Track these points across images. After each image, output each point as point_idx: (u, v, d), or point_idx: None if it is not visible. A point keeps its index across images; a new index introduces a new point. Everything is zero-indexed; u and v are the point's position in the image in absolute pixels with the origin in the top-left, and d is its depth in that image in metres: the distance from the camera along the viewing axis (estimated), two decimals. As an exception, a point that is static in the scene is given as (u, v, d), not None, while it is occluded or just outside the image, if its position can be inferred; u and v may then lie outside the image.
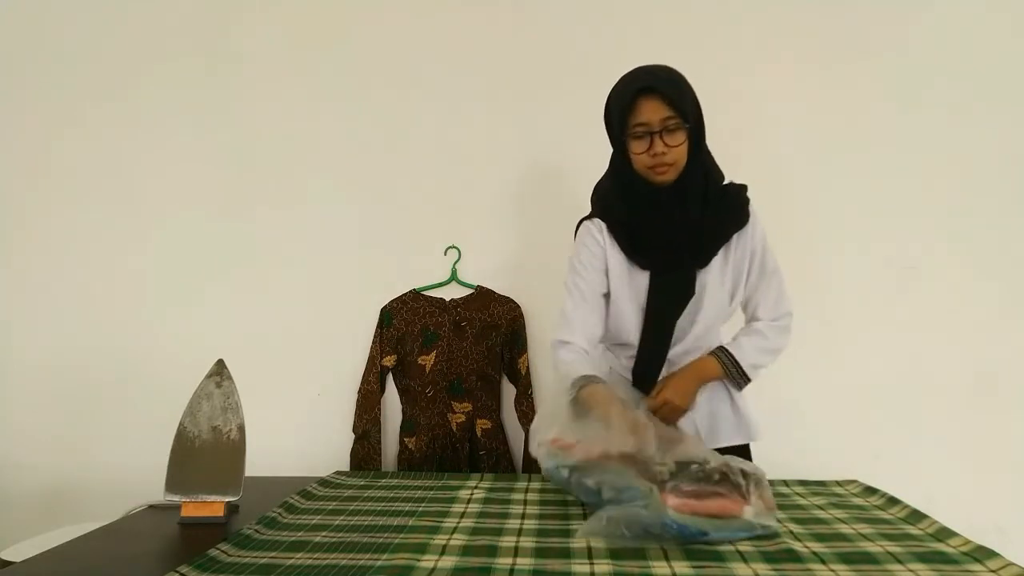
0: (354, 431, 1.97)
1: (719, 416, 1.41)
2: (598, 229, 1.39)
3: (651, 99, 1.25)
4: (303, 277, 2.04)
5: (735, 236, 1.35)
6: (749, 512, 1.00)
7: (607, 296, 1.39)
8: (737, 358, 1.34)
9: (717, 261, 1.35)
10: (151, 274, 2.07)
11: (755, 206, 1.39)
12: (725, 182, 1.39)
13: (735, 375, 1.34)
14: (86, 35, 2.10)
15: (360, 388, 1.98)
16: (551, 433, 1.16)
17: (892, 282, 1.93)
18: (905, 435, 1.91)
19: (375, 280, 2.02)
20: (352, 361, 2.01)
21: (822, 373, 1.92)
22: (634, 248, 1.35)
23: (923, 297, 1.92)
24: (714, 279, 1.34)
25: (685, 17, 1.98)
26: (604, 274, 1.38)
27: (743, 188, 1.40)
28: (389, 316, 1.99)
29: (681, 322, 1.36)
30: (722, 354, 1.35)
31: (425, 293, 2.01)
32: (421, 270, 2.02)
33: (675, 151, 1.26)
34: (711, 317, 1.36)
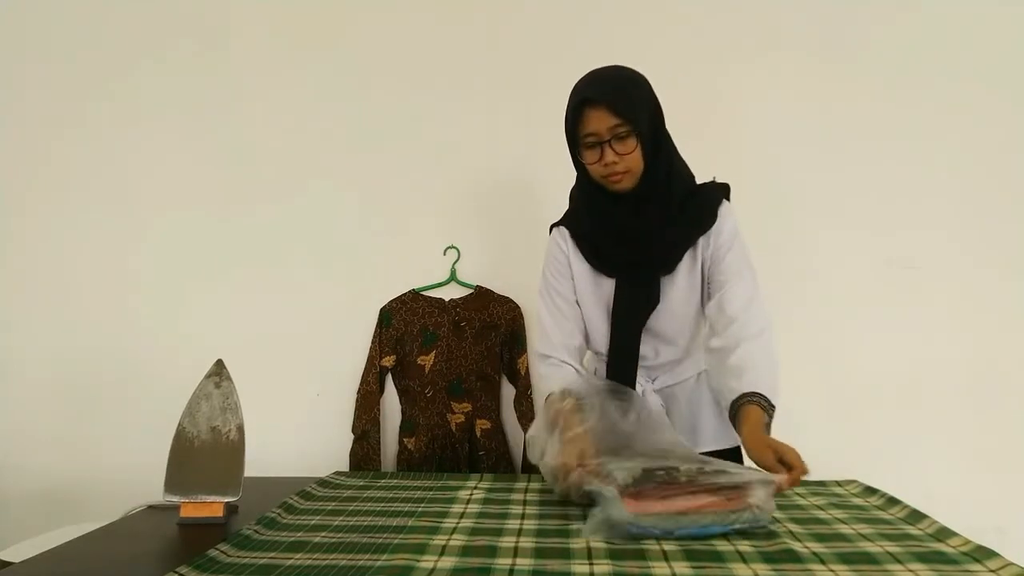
0: (353, 431, 1.97)
1: (700, 420, 1.39)
2: (561, 237, 1.40)
3: (597, 109, 1.21)
4: (303, 277, 2.04)
5: (702, 239, 1.30)
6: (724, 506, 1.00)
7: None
8: (769, 397, 1.17)
9: (684, 266, 1.31)
10: (150, 274, 2.07)
11: (730, 206, 1.33)
12: (703, 182, 1.34)
13: (770, 412, 1.18)
14: (84, 34, 2.11)
15: (359, 388, 1.98)
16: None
17: (892, 282, 1.93)
18: (905, 435, 1.91)
19: (375, 280, 2.02)
20: (351, 361, 2.01)
21: (822, 373, 1.92)
22: (597, 256, 1.34)
23: (923, 297, 1.92)
24: (680, 284, 1.31)
25: (685, 17, 1.98)
26: (572, 280, 1.39)
27: (718, 188, 1.34)
28: (388, 316, 1.99)
29: (654, 329, 1.33)
30: (757, 399, 1.16)
31: (424, 293, 2.01)
32: (421, 270, 2.02)
33: (627, 159, 1.22)
34: (683, 323, 1.33)
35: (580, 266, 1.38)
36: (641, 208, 1.28)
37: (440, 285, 2.02)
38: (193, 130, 2.08)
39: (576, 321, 1.39)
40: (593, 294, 1.37)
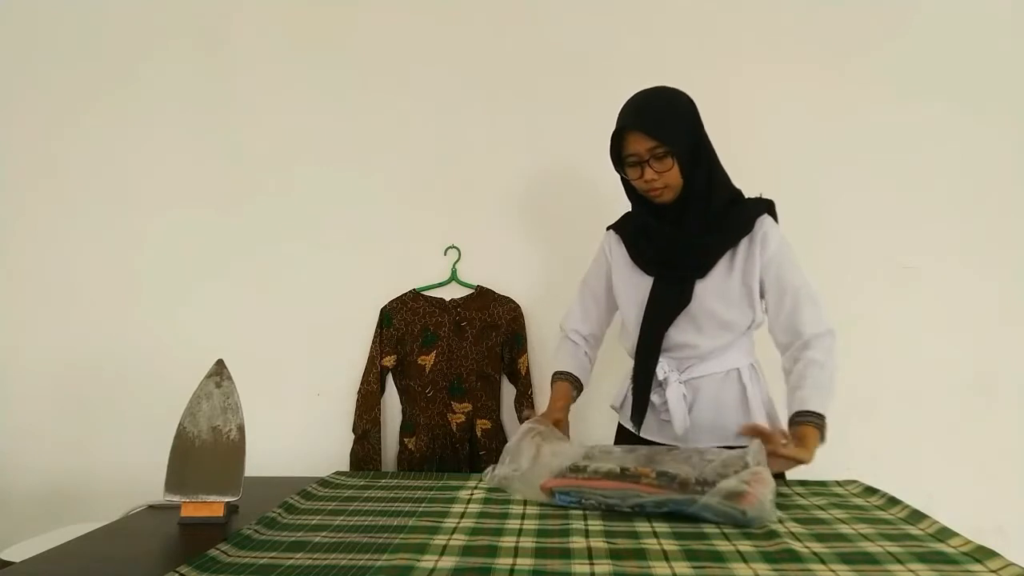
0: (354, 431, 1.97)
1: (722, 416, 1.41)
2: (608, 240, 1.55)
3: (636, 132, 1.32)
4: (303, 277, 2.04)
5: (742, 249, 1.37)
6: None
7: (615, 304, 1.55)
8: (824, 415, 1.27)
9: (719, 270, 1.38)
10: (151, 274, 2.07)
11: (772, 221, 1.40)
12: (748, 196, 1.43)
13: (819, 421, 1.27)
14: (85, 35, 2.11)
15: (360, 388, 1.98)
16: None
17: (892, 282, 1.93)
18: (905, 435, 1.91)
19: (375, 280, 2.02)
20: (352, 361, 2.01)
21: (822, 373, 1.91)
22: (640, 256, 1.46)
23: (923, 297, 1.92)
24: (714, 287, 1.38)
25: (686, 17, 1.98)
26: (608, 284, 1.54)
27: (760, 204, 1.42)
28: (389, 316, 1.99)
29: (683, 329, 1.40)
30: (814, 419, 1.26)
31: (425, 293, 2.01)
32: (421, 270, 2.02)
33: (665, 176, 1.33)
34: (715, 323, 1.38)
35: (623, 267, 1.50)
36: (681, 218, 1.38)
37: (441, 285, 2.02)
38: (193, 130, 2.08)
39: (599, 315, 1.59)
40: (633, 293, 1.46)
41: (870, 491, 1.29)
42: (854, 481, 1.37)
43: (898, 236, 1.93)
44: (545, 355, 2.01)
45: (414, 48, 2.04)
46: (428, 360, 1.97)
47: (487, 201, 2.02)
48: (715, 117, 1.92)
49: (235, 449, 1.21)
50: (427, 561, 0.90)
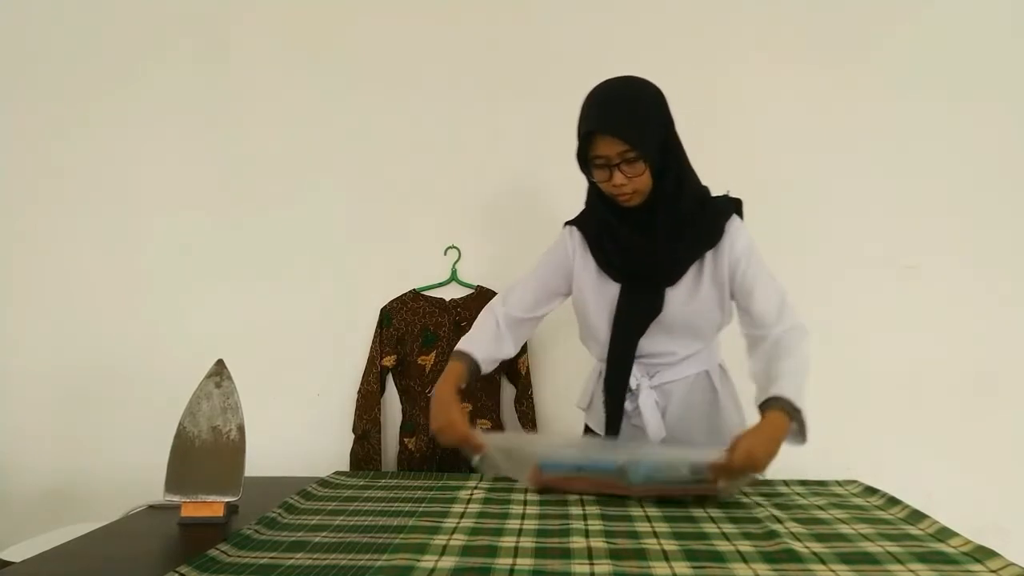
0: (354, 431, 1.97)
1: (691, 421, 1.40)
2: (571, 237, 1.45)
3: (605, 135, 1.22)
4: (303, 277, 2.04)
5: (711, 252, 1.33)
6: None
7: (562, 300, 1.48)
8: (796, 403, 1.17)
9: (689, 277, 1.34)
10: (151, 274, 2.07)
11: (740, 222, 1.36)
12: (717, 195, 1.37)
13: (799, 421, 1.18)
14: (86, 36, 2.11)
15: (360, 388, 1.98)
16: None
17: (892, 282, 1.93)
18: (905, 435, 1.91)
19: (375, 280, 2.02)
20: (352, 361, 2.01)
21: (822, 373, 1.89)
22: (606, 261, 1.38)
23: (923, 297, 1.92)
24: (684, 294, 1.34)
25: (689, 18, 1.98)
26: (564, 279, 1.45)
27: (728, 203, 1.37)
28: (389, 316, 1.99)
29: (654, 338, 1.36)
30: (782, 404, 1.17)
31: (425, 293, 2.01)
32: (421, 270, 2.02)
33: (636, 181, 1.25)
34: (685, 329, 1.36)
35: (587, 266, 1.42)
36: (648, 223, 1.31)
37: (441, 285, 2.02)
38: (193, 132, 2.08)
39: (540, 301, 1.46)
40: (598, 296, 1.40)
41: (870, 491, 1.29)
42: (854, 481, 1.37)
43: (898, 235, 1.94)
44: (545, 355, 2.01)
45: (414, 49, 2.04)
46: (428, 360, 1.97)
47: (487, 201, 2.02)
48: (714, 115, 1.94)
49: (235, 449, 1.21)
50: (427, 561, 0.90)
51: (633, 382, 1.38)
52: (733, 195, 1.40)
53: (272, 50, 2.07)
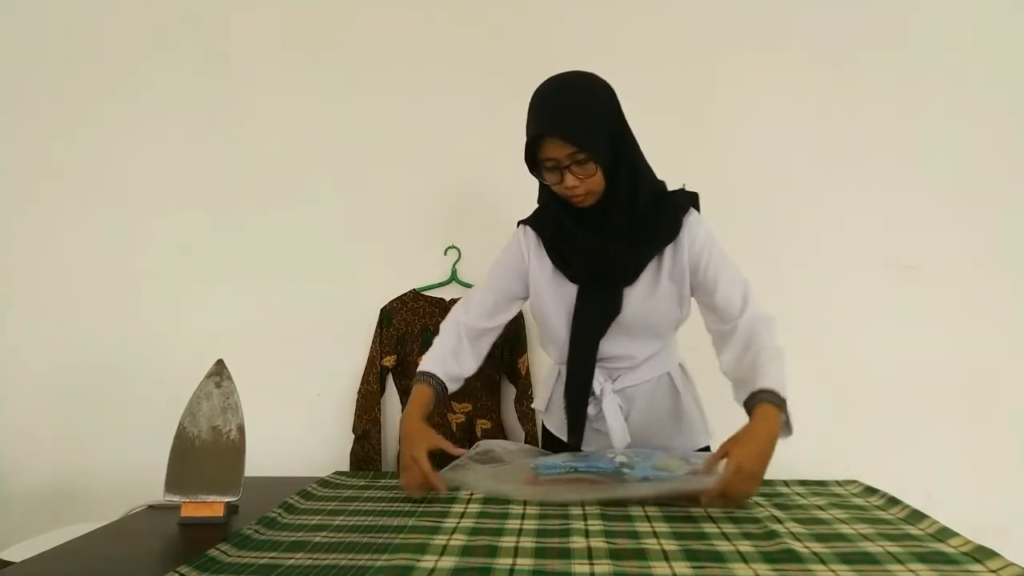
0: (354, 431, 1.97)
1: (654, 425, 1.39)
2: (525, 237, 1.42)
3: (554, 137, 1.18)
4: (303, 277, 2.04)
5: (669, 248, 1.30)
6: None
7: (521, 303, 1.45)
8: (782, 394, 1.15)
9: (647, 275, 1.32)
10: (151, 274, 2.07)
11: (699, 215, 1.33)
12: (673, 189, 1.34)
13: (786, 415, 1.16)
14: (86, 35, 2.11)
15: (360, 388, 1.98)
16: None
17: (892, 282, 1.93)
18: (905, 435, 1.91)
19: (375, 280, 2.02)
20: (352, 361, 2.01)
21: (822, 373, 1.92)
22: (562, 261, 1.35)
23: (923, 297, 1.92)
24: (643, 292, 1.32)
25: (685, 16, 1.98)
26: (520, 280, 1.41)
27: (685, 197, 1.34)
28: (389, 316, 1.99)
29: (614, 339, 1.34)
30: (769, 397, 1.14)
31: (425, 293, 2.01)
32: (421, 270, 2.02)
33: (588, 182, 1.21)
34: (645, 329, 1.34)
35: (543, 267, 1.38)
36: (603, 223, 1.28)
37: (441, 285, 2.02)
38: (193, 132, 2.08)
39: (495, 313, 1.42)
40: (555, 297, 1.37)
41: (870, 491, 1.29)
42: (854, 481, 1.37)
43: (899, 236, 1.94)
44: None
45: (414, 50, 2.04)
46: (428, 360, 1.97)
47: (487, 201, 2.02)
48: (714, 115, 1.94)
49: (235, 449, 1.21)
50: (427, 561, 0.90)
51: (596, 386, 1.36)
52: (690, 188, 1.37)
53: (272, 50, 2.07)
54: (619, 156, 1.23)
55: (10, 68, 2.12)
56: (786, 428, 1.16)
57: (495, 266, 1.45)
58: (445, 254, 2.02)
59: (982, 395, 1.90)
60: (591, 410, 1.37)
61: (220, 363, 1.26)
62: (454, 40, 2.03)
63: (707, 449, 1.43)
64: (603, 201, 1.26)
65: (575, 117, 1.18)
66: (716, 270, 1.29)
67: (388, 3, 2.05)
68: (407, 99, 2.04)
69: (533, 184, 2.01)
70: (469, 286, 2.00)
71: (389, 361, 1.99)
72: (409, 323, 1.99)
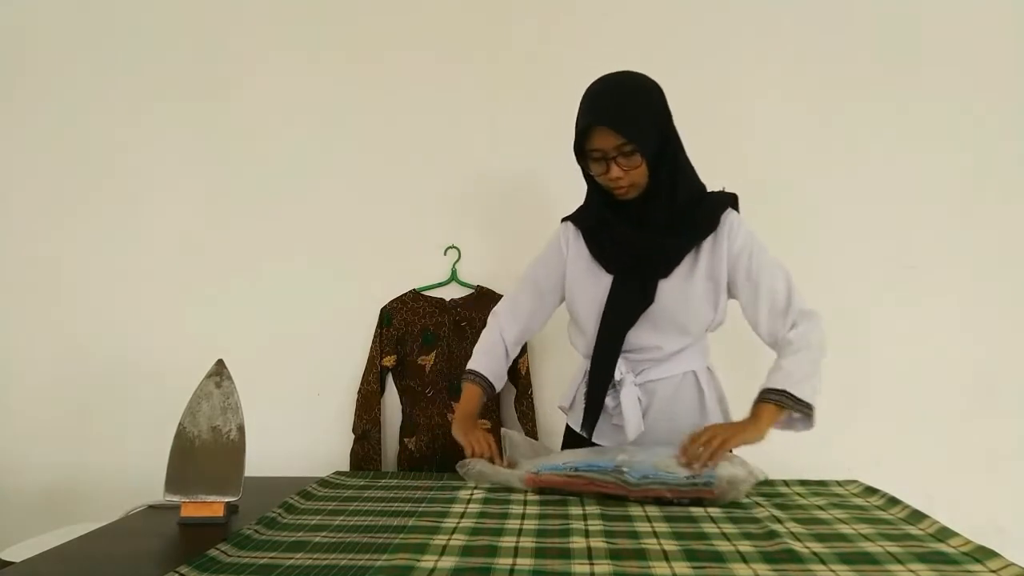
0: (354, 431, 1.97)
1: (677, 420, 1.39)
2: (565, 232, 1.47)
3: (603, 128, 1.23)
4: (303, 277, 2.04)
5: (707, 244, 1.33)
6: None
7: (559, 300, 1.50)
8: (789, 389, 1.23)
9: (683, 269, 1.33)
10: (151, 274, 2.07)
11: (737, 216, 1.35)
12: (710, 190, 1.37)
13: (795, 406, 1.23)
14: (86, 33, 2.11)
15: (360, 388, 1.98)
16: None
17: (892, 282, 1.93)
18: (905, 435, 1.91)
19: (375, 280, 2.02)
20: (352, 361, 2.01)
21: (822, 373, 1.91)
22: (600, 252, 1.39)
23: (923, 297, 1.92)
24: (677, 286, 1.33)
25: (689, 18, 1.98)
26: (556, 272, 1.47)
27: (724, 198, 1.37)
28: (389, 316, 1.99)
29: (641, 331, 1.35)
30: (771, 395, 1.24)
31: (425, 293, 2.01)
32: (421, 270, 2.02)
33: (632, 174, 1.26)
34: (675, 323, 1.35)
35: (580, 260, 1.42)
36: (643, 216, 1.31)
37: (441, 285, 2.02)
38: (195, 132, 2.08)
39: (536, 313, 1.52)
40: (589, 288, 1.40)
41: (870, 491, 1.29)
42: (854, 481, 1.37)
43: (899, 236, 1.93)
44: (545, 356, 2.01)
45: (415, 49, 2.04)
46: (428, 360, 1.97)
47: (487, 201, 2.02)
48: (713, 115, 1.94)
49: (235, 449, 1.21)
50: (427, 561, 0.90)
51: (617, 375, 1.37)
52: (728, 190, 1.40)
53: (273, 50, 2.07)
54: (663, 153, 1.27)
55: (10, 67, 2.12)
56: (807, 420, 1.25)
57: (535, 260, 1.52)
58: (445, 254, 2.02)
59: (982, 395, 1.90)
60: (610, 401, 1.39)
61: (220, 363, 1.26)
62: (455, 40, 2.03)
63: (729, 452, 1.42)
64: (644, 195, 1.30)
65: (624, 110, 1.24)
66: (761, 270, 1.32)
67: (388, 5, 2.05)
68: (407, 99, 2.03)
69: (534, 184, 2.02)
70: (469, 286, 2.00)
71: (389, 361, 1.99)
72: (409, 323, 1.99)
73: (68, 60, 2.11)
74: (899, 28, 1.94)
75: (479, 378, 1.49)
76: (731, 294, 1.36)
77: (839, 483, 1.37)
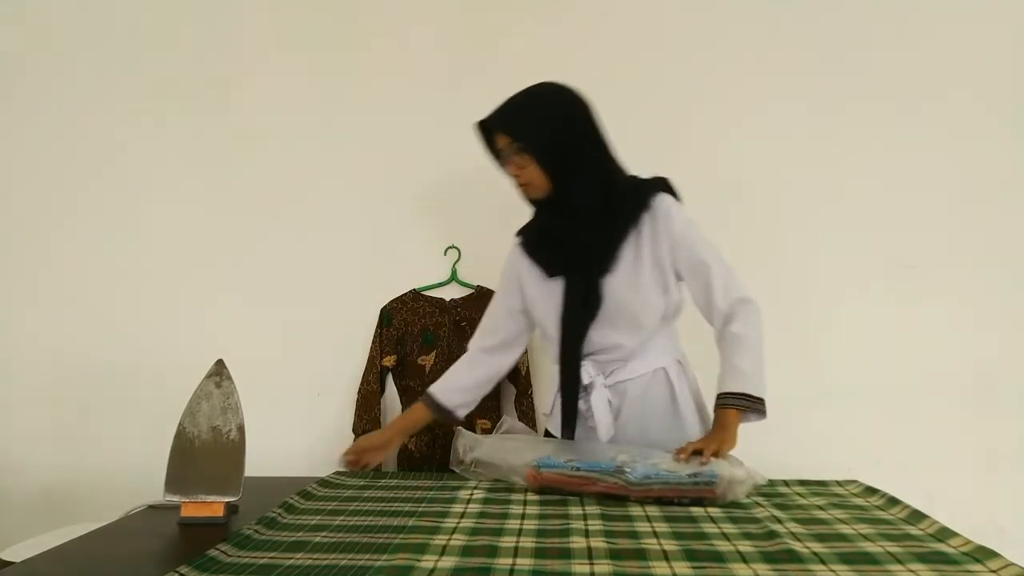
0: (354, 431, 1.97)
1: (649, 419, 1.40)
2: (515, 247, 1.53)
3: (495, 129, 1.35)
4: (303, 277, 2.04)
5: (647, 232, 1.34)
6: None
7: (528, 318, 1.52)
8: (748, 391, 1.28)
9: (627, 263, 1.35)
10: (151, 274, 2.07)
11: (671, 199, 1.37)
12: (646, 177, 1.39)
13: (753, 405, 1.28)
14: (85, 32, 2.11)
15: (360, 388, 1.98)
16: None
17: (892, 282, 1.93)
18: (905, 435, 1.90)
19: (375, 280, 2.02)
20: (352, 361, 2.01)
21: (822, 373, 1.92)
22: (542, 257, 1.44)
23: (923, 297, 1.92)
24: (624, 280, 1.35)
25: (684, 18, 1.98)
26: (517, 291, 1.50)
27: (653, 183, 1.39)
28: (389, 316, 1.99)
29: (600, 330, 1.38)
30: (731, 399, 1.28)
31: (425, 293, 2.01)
32: (421, 270, 2.01)
33: (526, 173, 1.33)
34: (633, 318, 1.36)
35: (532, 277, 1.46)
36: (556, 214, 1.37)
37: (441, 285, 2.01)
38: (194, 131, 2.08)
39: (507, 321, 1.53)
40: (545, 297, 1.43)
41: (870, 491, 1.29)
42: (854, 481, 1.37)
43: (899, 236, 1.93)
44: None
45: (415, 49, 2.04)
46: (428, 360, 1.97)
47: (487, 201, 2.01)
48: (712, 115, 1.94)
49: (235, 449, 1.21)
50: (427, 561, 0.90)
51: (586, 378, 1.39)
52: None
53: (273, 50, 2.07)
54: (562, 155, 1.32)
55: (10, 67, 2.12)
56: (760, 413, 1.29)
57: (497, 292, 1.57)
58: (445, 254, 2.02)
59: (982, 395, 1.90)
60: (582, 405, 1.40)
61: (220, 363, 1.26)
62: (454, 40, 2.03)
63: None
64: (551, 194, 1.36)
65: (512, 112, 1.34)
66: (698, 256, 1.33)
67: (388, 3, 2.05)
68: (407, 98, 2.03)
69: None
70: (469, 286, 2.00)
71: (389, 361, 1.99)
72: (409, 323, 1.99)
73: (68, 60, 2.11)
74: (898, 28, 1.94)
75: (426, 397, 1.51)
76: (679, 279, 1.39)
77: (839, 483, 1.37)
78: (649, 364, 1.40)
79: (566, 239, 1.37)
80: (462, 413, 1.53)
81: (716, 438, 1.25)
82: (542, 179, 1.33)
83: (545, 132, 1.32)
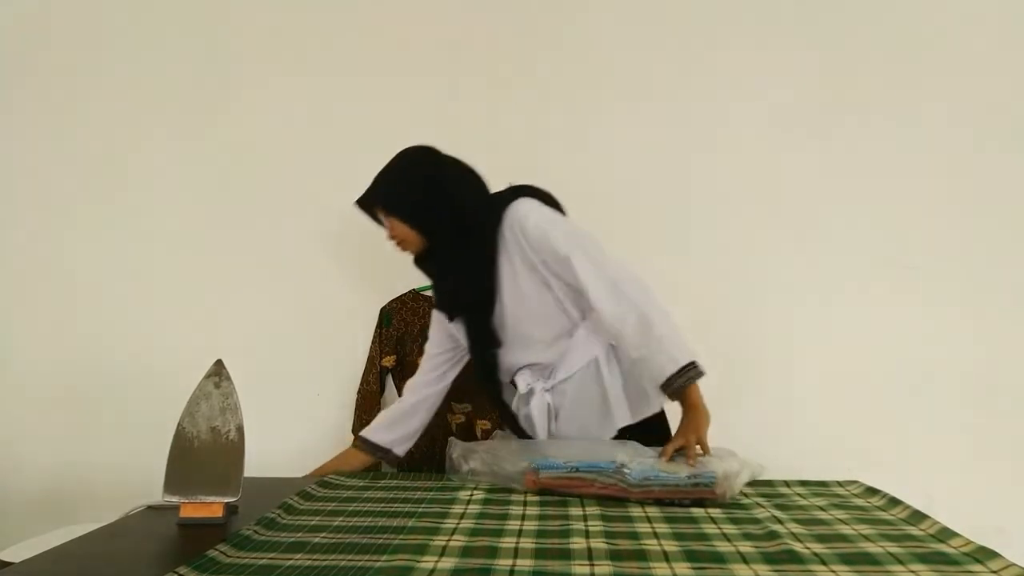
0: (354, 431, 1.97)
1: (585, 414, 1.42)
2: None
3: (371, 205, 1.47)
4: (303, 277, 2.04)
5: (514, 250, 1.36)
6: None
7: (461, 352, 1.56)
8: (680, 365, 1.26)
9: (508, 285, 1.37)
10: (150, 274, 2.07)
11: (523, 203, 1.38)
12: (496, 192, 1.45)
13: (682, 377, 1.25)
14: (84, 31, 2.11)
15: (360, 388, 1.98)
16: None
17: (893, 282, 1.93)
18: (905, 435, 1.90)
19: (375, 280, 2.01)
20: (351, 361, 2.01)
21: (822, 373, 1.92)
22: (441, 308, 1.52)
23: (924, 298, 1.92)
24: (512, 308, 1.38)
25: (681, 13, 1.98)
26: (445, 331, 1.55)
27: (501, 197, 1.43)
28: (389, 316, 1.99)
29: (514, 355, 1.43)
30: (678, 379, 1.26)
31: (425, 293, 2.01)
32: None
33: (396, 232, 1.44)
34: (538, 341, 1.40)
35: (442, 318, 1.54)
36: (431, 265, 1.47)
37: (440, 285, 2.01)
38: (193, 130, 2.08)
39: (434, 364, 1.59)
40: (460, 338, 1.50)
41: (871, 491, 1.28)
42: (855, 481, 1.37)
43: (899, 236, 1.93)
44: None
45: (414, 49, 2.04)
46: (428, 360, 1.97)
47: (487, 201, 2.01)
48: (713, 118, 1.94)
49: (234, 449, 1.20)
50: (427, 562, 0.90)
51: (524, 386, 1.42)
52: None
53: (272, 49, 2.07)
54: (425, 214, 1.41)
55: (10, 66, 2.11)
56: (700, 371, 1.27)
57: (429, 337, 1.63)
58: (445, 254, 2.01)
59: (982, 395, 1.90)
60: (523, 411, 1.44)
61: (219, 363, 1.26)
62: (455, 39, 2.03)
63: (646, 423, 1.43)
64: (426, 252, 1.46)
65: (383, 184, 1.46)
66: (557, 249, 1.32)
67: (388, 3, 2.04)
68: (407, 98, 2.03)
69: (535, 184, 2.01)
70: (469, 286, 2.00)
71: (389, 361, 1.99)
72: (409, 323, 1.99)
73: (68, 60, 2.10)
74: (900, 27, 1.94)
75: (359, 441, 1.58)
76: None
77: (840, 483, 1.37)
78: (583, 357, 1.41)
79: (444, 289, 1.48)
80: (400, 450, 1.58)
81: (691, 426, 1.25)
82: (412, 236, 1.42)
83: (410, 197, 1.42)
